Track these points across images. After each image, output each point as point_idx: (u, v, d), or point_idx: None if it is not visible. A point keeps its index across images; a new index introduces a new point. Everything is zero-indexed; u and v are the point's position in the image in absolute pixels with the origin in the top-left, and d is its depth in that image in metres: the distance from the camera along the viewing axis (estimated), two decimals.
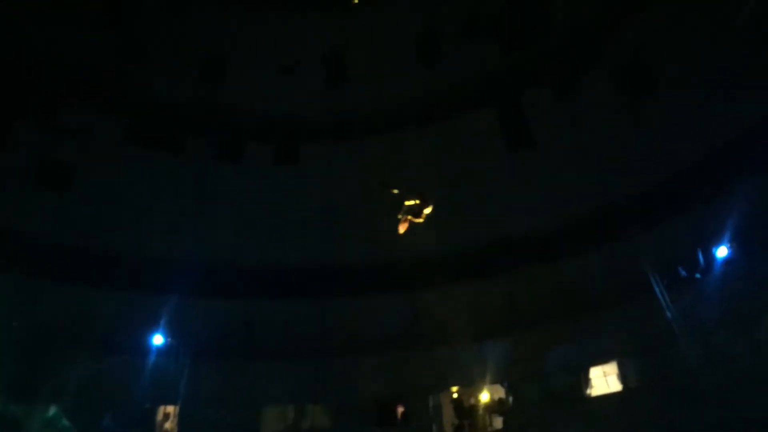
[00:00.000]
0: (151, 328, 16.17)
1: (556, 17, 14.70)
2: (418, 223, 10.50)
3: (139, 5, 15.60)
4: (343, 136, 16.38)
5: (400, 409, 16.62)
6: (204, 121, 16.20)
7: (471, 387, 16.52)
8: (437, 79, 15.38)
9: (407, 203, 10.59)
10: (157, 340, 16.29)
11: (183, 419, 15.97)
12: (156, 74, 16.12)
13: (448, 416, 16.43)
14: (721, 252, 14.39)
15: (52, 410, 15.97)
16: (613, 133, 15.22)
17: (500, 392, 16.29)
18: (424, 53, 15.30)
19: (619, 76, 14.58)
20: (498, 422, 16.09)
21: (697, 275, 14.59)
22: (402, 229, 10.51)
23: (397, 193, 10.71)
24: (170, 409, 16.67)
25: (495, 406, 16.01)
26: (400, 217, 10.41)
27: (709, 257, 14.51)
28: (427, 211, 10.30)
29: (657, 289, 14.44)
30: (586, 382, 15.43)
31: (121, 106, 16.05)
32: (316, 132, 16.37)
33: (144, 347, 16.17)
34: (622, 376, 15.15)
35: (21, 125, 15.62)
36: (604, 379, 15.44)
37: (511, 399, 15.91)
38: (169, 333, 16.27)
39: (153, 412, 16.58)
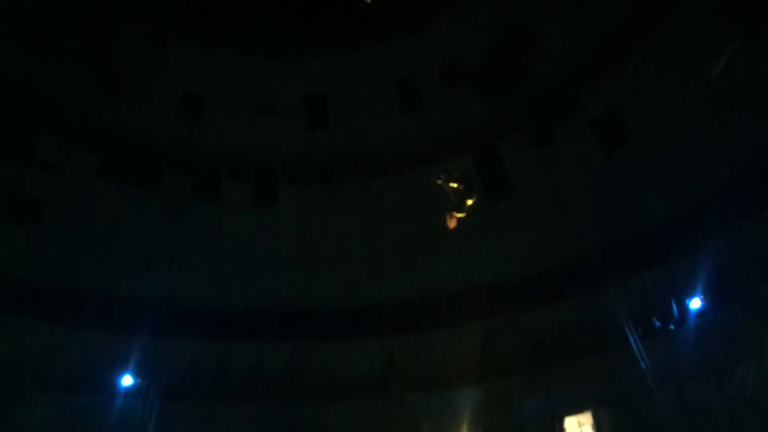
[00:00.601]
0: (120, 368, 15.74)
1: (535, 68, 14.99)
2: (461, 217, 9.89)
3: (118, 39, 15.56)
4: (321, 178, 16.35)
5: None
6: (181, 158, 16.05)
7: None
8: (416, 125, 15.49)
9: (452, 186, 10.20)
10: (126, 380, 15.86)
11: None
12: (133, 110, 16.00)
13: None
14: (695, 303, 14.48)
15: None
16: (588, 183, 15.39)
17: None
18: (404, 100, 15.44)
19: (595, 127, 14.83)
20: None
21: (671, 326, 14.67)
22: (452, 224, 10.20)
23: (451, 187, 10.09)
24: None
25: None
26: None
27: (683, 309, 14.60)
28: (470, 202, 9.85)
29: (631, 340, 14.47)
30: (560, 431, 15.35)
31: (96, 141, 15.81)
32: (295, 174, 16.31)
33: (112, 388, 15.73)
34: (597, 426, 15.06)
35: None
36: (579, 429, 15.35)
37: None
38: (138, 373, 15.84)
39: None
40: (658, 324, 14.78)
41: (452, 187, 10.42)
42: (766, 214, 13.52)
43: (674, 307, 14.57)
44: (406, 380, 15.99)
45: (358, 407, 16.08)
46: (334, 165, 16.34)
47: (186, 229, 15.83)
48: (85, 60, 15.29)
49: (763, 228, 13.56)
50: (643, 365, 14.37)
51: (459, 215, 10.25)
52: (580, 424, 15.38)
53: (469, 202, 10.09)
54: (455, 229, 15.21)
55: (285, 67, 16.09)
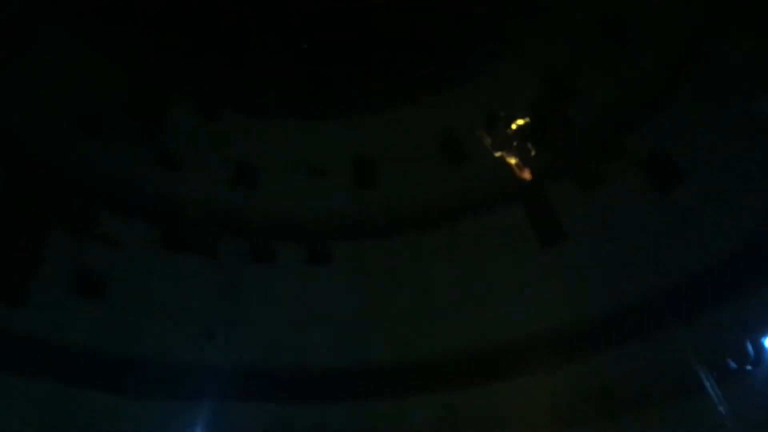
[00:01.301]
0: None
1: (578, 113, 15.05)
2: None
3: (170, 115, 16.33)
4: (373, 235, 16.52)
5: None
6: (236, 224, 16.51)
7: None
8: (463, 177, 15.63)
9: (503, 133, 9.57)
10: None
11: None
12: (188, 181, 16.62)
13: None
14: None
15: None
16: (646, 223, 15.11)
17: None
18: (450, 153, 15.66)
19: (645, 167, 14.72)
20: None
21: (748, 367, 14.05)
22: (527, 175, 9.65)
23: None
24: None
25: None
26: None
27: (759, 348, 14.01)
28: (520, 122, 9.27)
29: (706, 383, 13.89)
30: None
31: (154, 213, 16.47)
32: (347, 232, 16.54)
33: None
34: None
35: (59, 237, 16.11)
36: None
37: None
38: None
39: None
40: (733, 365, 14.19)
41: (503, 134, 9.72)
42: None
43: (749, 346, 14.00)
44: None
45: None
46: (384, 221, 16.52)
47: (244, 294, 16.15)
48: (142, 138, 16.13)
49: None
50: (721, 410, 13.76)
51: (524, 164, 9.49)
52: None
53: (519, 122, 9.40)
54: (512, 277, 15.20)
55: (331, 127, 16.53)
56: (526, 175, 9.55)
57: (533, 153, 9.32)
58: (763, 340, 13.98)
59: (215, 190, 16.30)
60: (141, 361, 16.39)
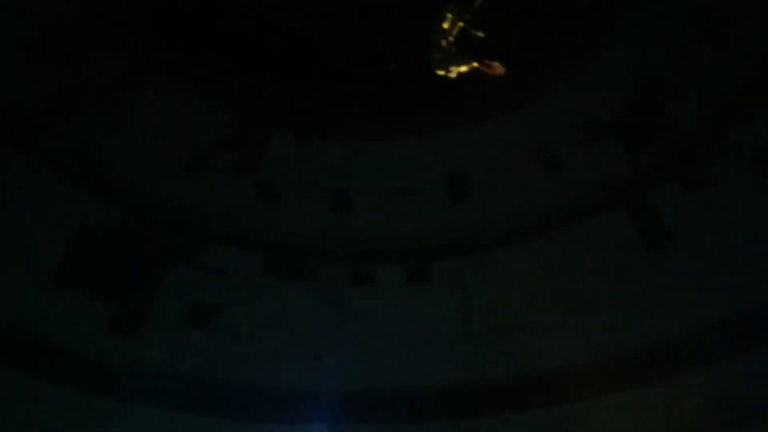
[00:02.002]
0: None
1: (679, 111, 14.52)
2: None
3: (269, 150, 16.98)
4: (471, 250, 16.42)
5: None
6: (336, 248, 16.84)
7: None
8: (562, 185, 15.34)
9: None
10: None
11: None
12: (286, 209, 17.13)
13: None
14: None
15: None
16: (761, 223, 14.32)
17: None
18: (545, 162, 15.45)
19: (756, 163, 13.99)
20: None
21: None
22: (500, 70, 8.94)
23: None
24: None
25: None
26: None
27: None
28: None
29: None
30: None
31: (258, 243, 17.07)
32: (444, 249, 16.52)
33: None
34: None
35: (170, 271, 16.95)
36: None
37: None
38: None
39: None
40: None
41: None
42: None
43: None
44: None
45: None
46: (483, 235, 16.39)
47: (347, 316, 16.37)
48: (241, 171, 16.82)
49: None
50: None
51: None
52: None
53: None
54: (620, 287, 14.73)
55: (421, 144, 16.64)
56: (498, 69, 8.71)
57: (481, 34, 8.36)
58: None
59: (313, 217, 16.71)
60: (252, 386, 16.91)
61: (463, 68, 9.01)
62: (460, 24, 8.66)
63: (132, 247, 16.76)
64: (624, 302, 15.43)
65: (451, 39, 8.91)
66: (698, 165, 14.56)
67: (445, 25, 9.11)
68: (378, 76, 16.36)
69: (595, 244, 15.56)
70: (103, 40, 15.29)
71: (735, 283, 14.57)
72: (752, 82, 14.18)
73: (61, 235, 15.91)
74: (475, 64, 8.78)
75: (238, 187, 17.14)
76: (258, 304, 17.13)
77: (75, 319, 15.99)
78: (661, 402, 14.94)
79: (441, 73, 9.18)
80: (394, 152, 17.11)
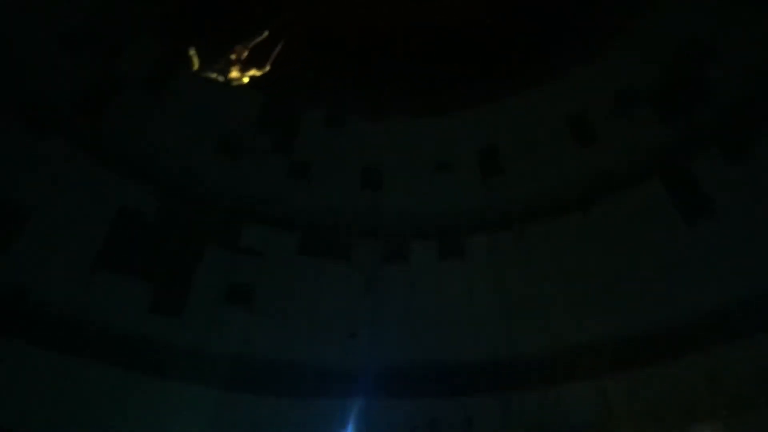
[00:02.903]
0: None
1: (719, 78, 14.10)
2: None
3: (300, 129, 17.11)
4: (505, 225, 16.37)
5: None
6: (369, 226, 16.98)
7: None
8: (595, 157, 15.13)
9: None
10: None
11: None
12: (320, 188, 17.31)
13: None
14: None
15: None
16: None
17: None
18: (579, 133, 15.23)
19: None
20: None
21: None
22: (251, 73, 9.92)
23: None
24: None
25: None
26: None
27: None
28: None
29: None
30: None
31: (293, 222, 17.30)
32: (479, 224, 16.51)
33: None
34: None
35: (208, 252, 17.32)
36: None
37: None
38: None
39: None
40: None
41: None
42: None
43: None
44: (628, 423, 15.06)
45: None
46: (516, 210, 16.31)
47: (381, 293, 16.54)
48: (274, 152, 17.01)
49: None
50: None
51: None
52: None
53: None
54: (656, 259, 14.43)
55: (452, 120, 16.60)
56: (251, 73, 9.43)
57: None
58: None
59: (346, 195, 16.86)
60: (290, 363, 17.25)
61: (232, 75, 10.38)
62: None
63: (171, 229, 17.14)
64: (660, 276, 15.16)
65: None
66: (738, 135, 14.16)
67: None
68: (411, 55, 16.33)
69: (631, 217, 15.31)
70: (142, 27, 15.56)
71: None
72: None
73: (104, 217, 16.43)
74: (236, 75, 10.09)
75: (272, 167, 17.27)
76: (294, 282, 17.36)
77: (117, 300, 16.44)
78: (700, 374, 14.75)
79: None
80: (426, 129, 17.02)
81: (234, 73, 10.92)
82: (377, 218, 16.87)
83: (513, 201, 16.34)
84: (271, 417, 16.69)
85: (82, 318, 16.35)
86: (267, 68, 10.67)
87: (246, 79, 10.78)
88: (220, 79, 10.85)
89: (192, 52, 11.37)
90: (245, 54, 11.01)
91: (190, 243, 17.11)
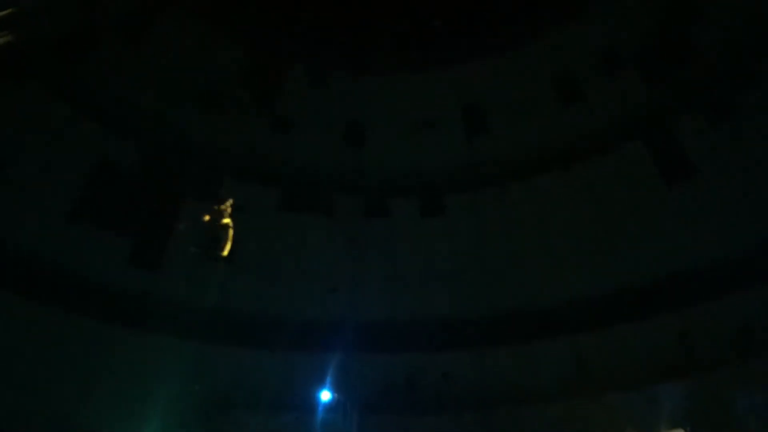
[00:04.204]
0: (319, 386, 16.75)
1: (704, 40, 14.04)
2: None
3: (281, 82, 16.82)
4: (487, 183, 16.39)
5: None
6: (351, 182, 16.93)
7: None
8: (580, 117, 15.10)
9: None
10: (325, 396, 16.85)
11: None
12: (303, 144, 17.15)
13: None
14: None
15: None
16: None
17: None
18: (564, 93, 15.14)
19: None
20: None
21: None
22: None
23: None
24: None
25: None
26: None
27: None
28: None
29: None
30: None
31: (274, 177, 17.19)
32: (461, 182, 16.52)
33: (313, 404, 16.78)
34: None
35: (188, 205, 17.18)
36: None
37: None
38: (336, 389, 16.77)
39: None
40: None
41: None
42: None
43: None
44: (601, 379, 15.44)
45: (552, 410, 15.77)
46: (498, 168, 16.33)
47: (363, 249, 16.61)
48: (256, 105, 16.75)
49: None
50: None
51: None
52: None
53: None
54: (636, 218, 14.60)
55: (436, 78, 16.39)
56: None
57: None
58: None
59: (328, 151, 16.73)
60: (274, 318, 17.39)
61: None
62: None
63: (150, 181, 16.98)
64: (637, 237, 15.41)
65: None
66: (722, 97, 14.19)
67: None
68: (393, 10, 16.01)
69: (613, 177, 15.41)
70: None
71: (749, 216, 14.43)
72: None
73: (82, 169, 16.21)
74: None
75: (253, 122, 17.07)
76: (275, 237, 17.37)
77: (96, 252, 16.37)
78: (671, 332, 15.10)
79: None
80: (410, 85, 16.76)
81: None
82: (359, 175, 16.81)
83: (495, 159, 16.33)
84: (251, 370, 16.91)
85: (60, 269, 16.29)
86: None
87: None
88: None
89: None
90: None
91: (170, 196, 16.96)
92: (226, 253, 11.67)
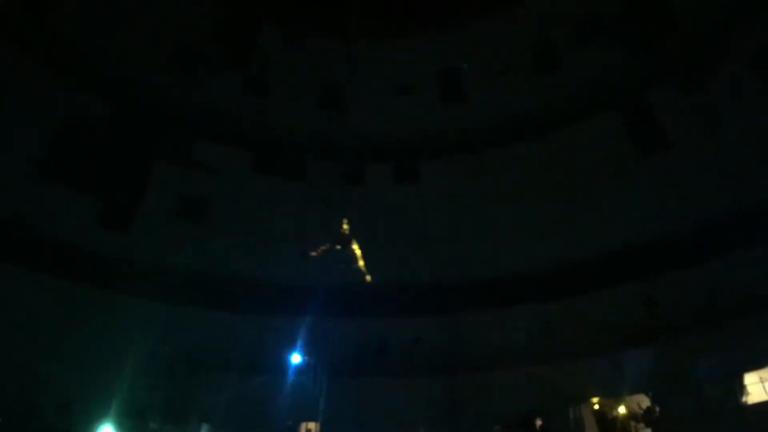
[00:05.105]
0: (291, 349, 16.85)
1: (679, 12, 14.05)
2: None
3: (257, 42, 16.44)
4: (463, 150, 16.37)
5: (539, 422, 16.31)
6: (325, 146, 16.76)
7: (613, 398, 15.97)
8: (556, 85, 15.08)
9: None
10: (295, 359, 16.96)
11: None
12: (277, 106, 16.87)
13: (591, 428, 15.97)
14: None
15: (204, 429, 17.04)
16: (754, 127, 14.26)
17: (645, 402, 15.63)
18: (541, 61, 15.06)
19: (753, 67, 13.71)
20: None
21: None
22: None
23: None
24: (312, 425, 17.25)
25: (642, 417, 15.37)
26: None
27: None
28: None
29: None
30: (741, 389, 14.52)
31: (248, 139, 16.94)
32: (436, 149, 16.48)
33: (284, 367, 16.90)
34: None
35: (160, 166, 16.88)
36: (761, 386, 14.46)
37: (658, 409, 15.22)
38: (307, 352, 16.90)
39: (295, 429, 17.25)
40: None
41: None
42: None
43: None
44: (568, 345, 15.81)
45: (520, 375, 16.13)
46: (474, 135, 16.29)
47: (335, 213, 16.51)
48: (230, 67, 16.38)
49: None
50: None
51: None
52: (762, 380, 14.46)
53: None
54: (609, 188, 14.79)
55: (414, 44, 16.16)
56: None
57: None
58: None
59: (303, 114, 16.50)
60: (246, 280, 17.36)
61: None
62: None
63: (121, 140, 16.61)
64: (610, 206, 15.62)
65: None
66: (698, 67, 14.28)
67: None
68: None
69: (587, 147, 15.51)
70: None
71: (720, 188, 14.73)
72: None
73: (51, 127, 15.76)
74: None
75: (228, 82, 16.69)
76: (248, 200, 17.23)
77: (64, 212, 16.10)
78: (636, 300, 15.46)
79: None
80: (388, 51, 16.56)
81: None
82: (335, 139, 16.63)
83: (471, 126, 16.29)
84: (223, 332, 16.91)
85: (27, 228, 16.00)
86: None
87: None
88: None
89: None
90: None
91: (141, 156, 16.63)
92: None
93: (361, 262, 12.15)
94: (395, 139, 16.67)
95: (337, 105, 16.46)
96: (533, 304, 16.35)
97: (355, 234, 17.28)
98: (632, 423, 15.48)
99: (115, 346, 15.94)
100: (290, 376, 16.95)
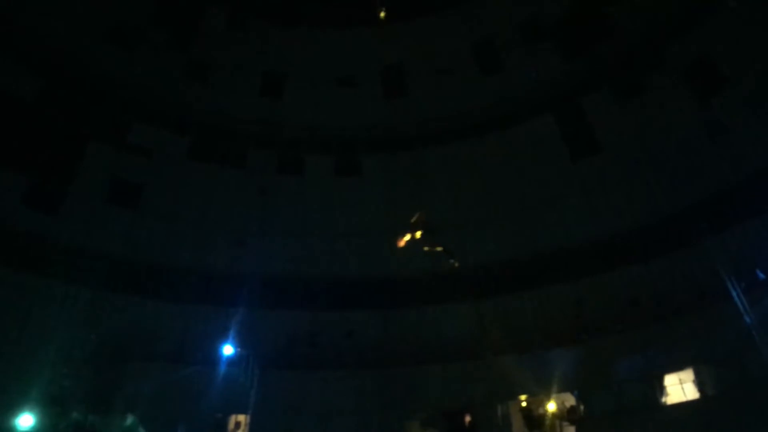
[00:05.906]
0: (221, 340, 16.49)
1: (618, 21, 14.45)
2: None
3: (200, 25, 16.11)
4: (403, 146, 16.42)
5: (468, 419, 16.45)
6: (265, 135, 16.53)
7: (540, 396, 16.22)
8: (496, 87, 15.30)
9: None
10: (227, 350, 16.60)
11: (254, 428, 16.23)
12: (218, 91, 16.56)
13: (518, 425, 16.16)
14: None
15: (130, 419, 16.50)
16: (681, 135, 14.76)
17: (571, 401, 15.94)
18: (482, 61, 15.28)
19: (684, 77, 14.22)
20: (569, 431, 15.74)
21: None
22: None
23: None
24: (241, 417, 16.95)
25: (566, 415, 15.65)
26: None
27: None
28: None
29: (734, 293, 13.88)
30: (660, 389, 14.94)
31: (185, 124, 16.54)
32: (377, 143, 16.47)
33: (215, 358, 16.52)
34: (699, 384, 14.57)
35: (92, 147, 16.32)
36: (680, 387, 14.91)
37: (582, 407, 15.54)
38: (238, 344, 16.55)
39: (225, 421, 16.91)
40: (762, 276, 14.12)
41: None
42: None
43: None
44: (498, 343, 15.96)
45: (450, 371, 16.21)
46: (415, 132, 16.36)
47: (274, 204, 16.33)
48: (171, 48, 15.99)
49: None
50: (747, 319, 13.79)
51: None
52: (681, 382, 14.92)
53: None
54: (543, 190, 15.05)
55: (359, 37, 16.15)
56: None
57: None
58: None
59: (244, 101, 16.26)
60: (177, 268, 16.90)
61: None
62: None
63: (53, 118, 15.99)
64: (543, 208, 15.92)
65: None
66: (631, 76, 14.73)
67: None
68: None
69: (524, 148, 15.78)
70: None
71: (647, 192, 15.18)
72: None
73: None
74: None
75: (167, 63, 16.29)
76: (183, 186, 16.83)
77: None
78: (569, 299, 15.75)
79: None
80: (333, 41, 16.49)
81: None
82: (274, 127, 16.45)
83: (412, 122, 16.36)
84: (152, 320, 16.46)
85: None
86: None
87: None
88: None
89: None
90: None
91: (73, 135, 16.06)
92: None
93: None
94: (336, 130, 16.60)
95: (279, 92, 16.30)
96: (467, 302, 16.46)
97: (292, 225, 17.19)
98: (557, 421, 15.74)
99: (37, 331, 15.31)
100: (221, 368, 16.57)
